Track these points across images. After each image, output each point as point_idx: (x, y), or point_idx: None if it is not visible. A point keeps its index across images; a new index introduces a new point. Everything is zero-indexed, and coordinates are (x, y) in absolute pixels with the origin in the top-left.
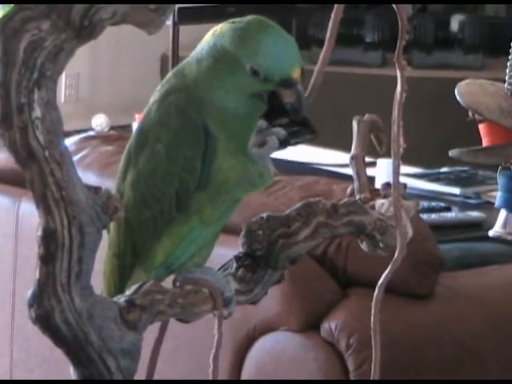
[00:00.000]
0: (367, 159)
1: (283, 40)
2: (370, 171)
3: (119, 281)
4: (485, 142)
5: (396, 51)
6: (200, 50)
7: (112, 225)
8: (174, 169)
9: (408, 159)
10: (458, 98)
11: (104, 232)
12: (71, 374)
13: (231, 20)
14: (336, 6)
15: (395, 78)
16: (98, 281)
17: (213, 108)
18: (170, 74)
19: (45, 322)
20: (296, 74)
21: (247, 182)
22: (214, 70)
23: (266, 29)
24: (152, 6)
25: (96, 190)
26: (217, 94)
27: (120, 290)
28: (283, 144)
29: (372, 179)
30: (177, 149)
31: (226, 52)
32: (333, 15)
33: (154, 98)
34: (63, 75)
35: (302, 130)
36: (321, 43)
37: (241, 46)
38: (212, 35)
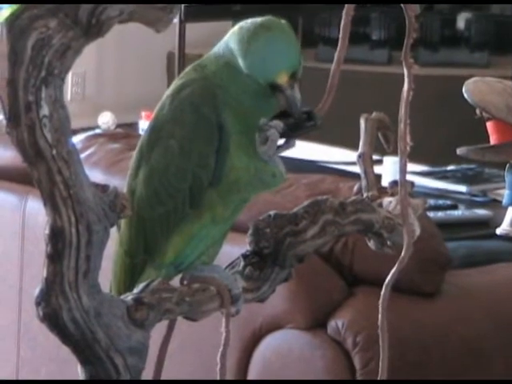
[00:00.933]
0: (374, 157)
1: (275, 45)
2: (376, 169)
3: (130, 279)
4: (492, 140)
5: (403, 49)
6: (219, 45)
7: (123, 222)
8: (187, 165)
9: (414, 157)
10: (465, 95)
11: (112, 230)
12: (79, 372)
13: (251, 19)
14: (346, 5)
15: (401, 75)
16: (105, 279)
17: (230, 98)
18: (189, 68)
19: (52, 320)
20: (282, 79)
21: (259, 182)
22: (227, 64)
23: (262, 32)
24: (159, 4)
25: (103, 188)
26: (232, 88)
27: (130, 288)
28: (285, 136)
29: (378, 177)
30: (191, 145)
31: (232, 50)
32: (344, 15)
33: (168, 91)
34: (69, 73)
35: (304, 122)
36: (327, 41)
37: (238, 47)
38: (231, 32)
